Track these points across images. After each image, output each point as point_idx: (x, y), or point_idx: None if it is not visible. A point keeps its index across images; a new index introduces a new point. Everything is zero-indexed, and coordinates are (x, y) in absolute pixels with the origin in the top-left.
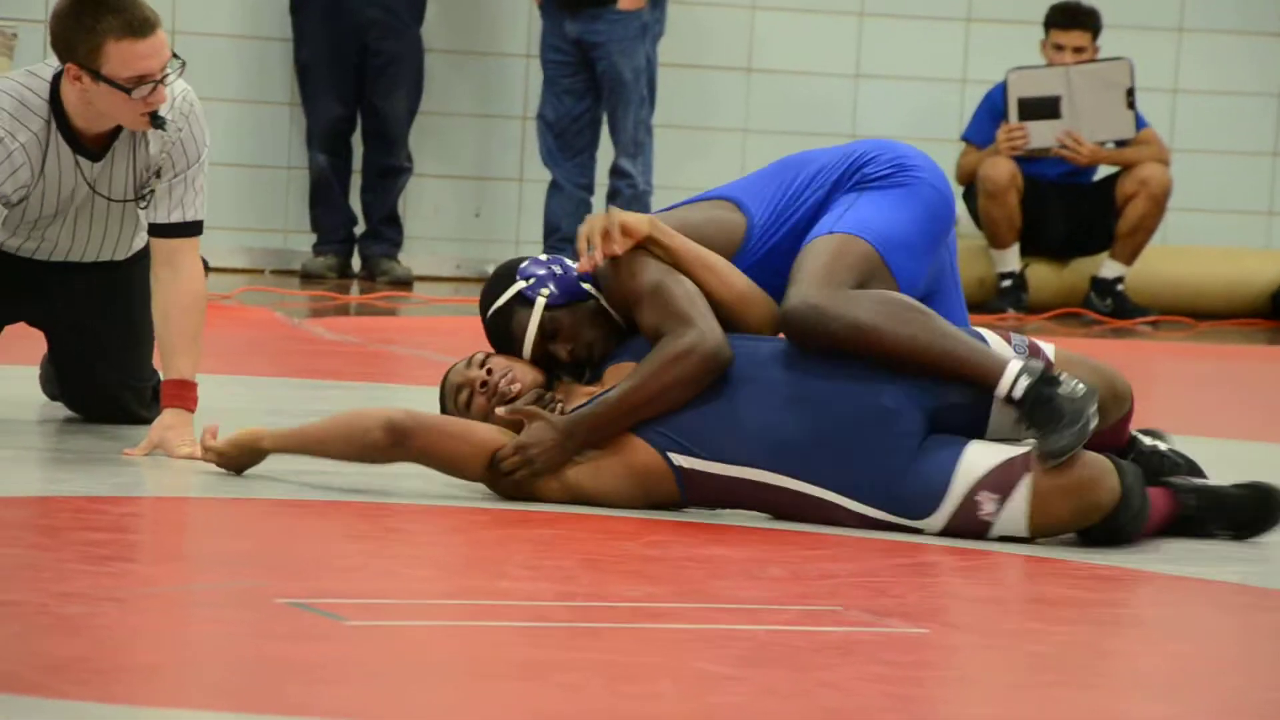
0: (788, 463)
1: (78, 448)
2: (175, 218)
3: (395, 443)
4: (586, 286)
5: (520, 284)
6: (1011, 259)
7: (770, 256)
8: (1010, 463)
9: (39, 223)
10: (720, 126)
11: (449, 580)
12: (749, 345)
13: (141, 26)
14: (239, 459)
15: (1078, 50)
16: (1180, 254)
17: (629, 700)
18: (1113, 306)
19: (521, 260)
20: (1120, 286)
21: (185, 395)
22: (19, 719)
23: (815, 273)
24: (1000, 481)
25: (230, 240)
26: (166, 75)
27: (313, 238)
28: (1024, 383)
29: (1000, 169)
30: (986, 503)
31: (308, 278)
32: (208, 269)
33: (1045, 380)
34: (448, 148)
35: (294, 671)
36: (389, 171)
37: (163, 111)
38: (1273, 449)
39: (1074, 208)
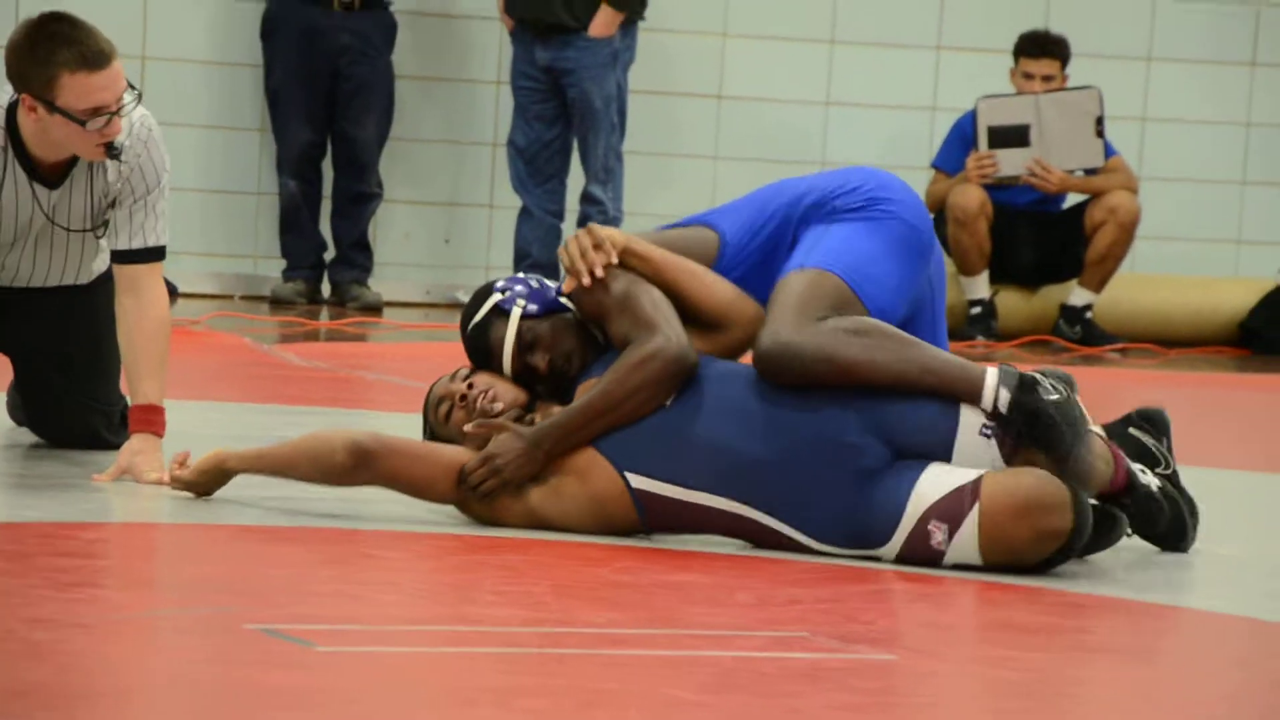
0: (744, 490)
1: (45, 473)
2: (137, 244)
3: (359, 465)
4: (563, 299)
5: (496, 296)
6: (981, 286)
7: (745, 279)
8: (960, 491)
9: None
10: (690, 153)
11: (419, 606)
12: (715, 368)
13: (96, 59)
14: (206, 484)
15: (1047, 79)
16: (1149, 282)
17: None
18: (1081, 334)
19: (499, 279)
20: (1089, 314)
21: (153, 420)
22: None
23: (786, 309)
24: (949, 511)
25: (200, 266)
26: (123, 106)
27: (282, 263)
28: (1005, 397)
29: (970, 197)
30: (937, 532)
31: (277, 303)
32: (176, 295)
33: (1025, 388)
34: (418, 174)
35: (264, 698)
36: (359, 197)
37: (120, 138)
38: (1240, 475)
39: (1043, 235)
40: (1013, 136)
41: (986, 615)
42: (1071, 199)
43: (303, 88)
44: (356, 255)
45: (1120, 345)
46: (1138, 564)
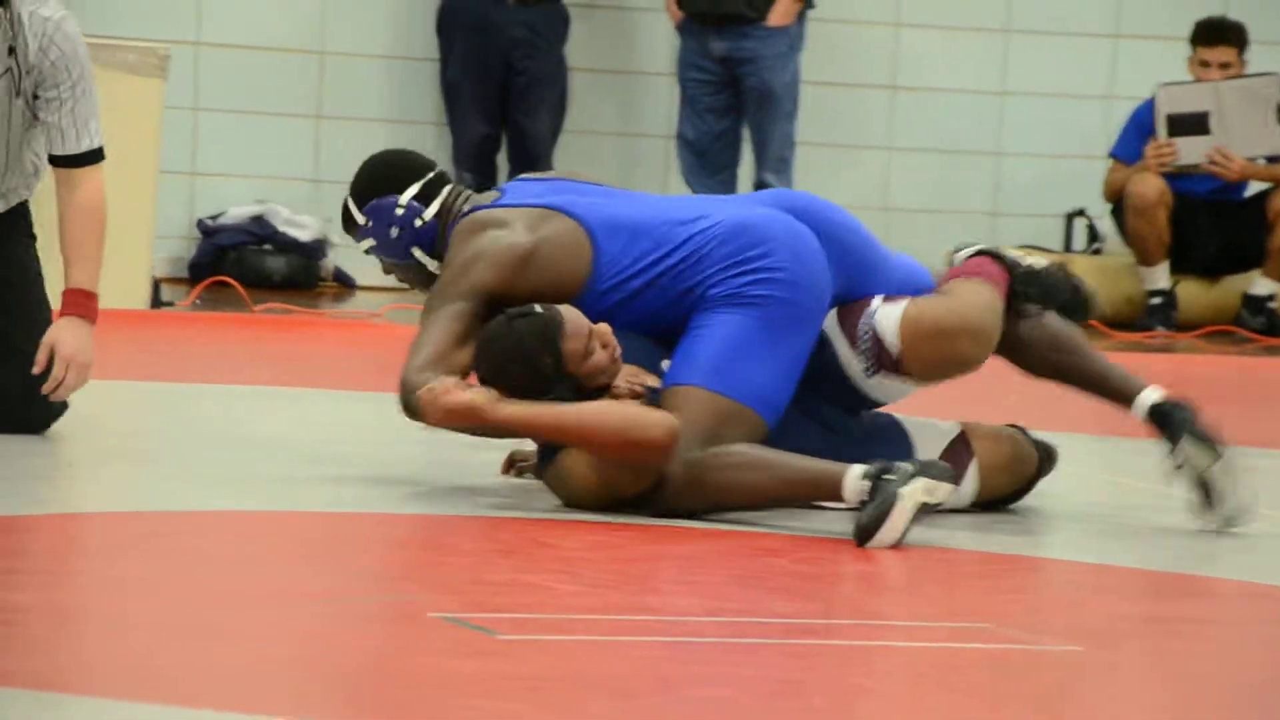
0: None
1: (210, 462)
2: (70, 149)
3: (670, 444)
4: (419, 255)
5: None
6: (1161, 276)
7: (617, 313)
8: (954, 445)
9: None
10: (865, 144)
11: (599, 595)
12: None
13: None
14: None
15: (1224, 66)
16: None
17: (782, 715)
18: (1265, 324)
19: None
20: (1272, 304)
21: (82, 303)
22: None
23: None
24: (952, 463)
25: None
26: None
27: None
28: (867, 485)
29: (1149, 186)
30: None
31: None
32: (354, 286)
33: (877, 475)
34: (591, 166)
35: (450, 685)
36: None
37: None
38: None
39: (1224, 224)
40: (1192, 124)
41: (1168, 607)
42: (1253, 187)
43: (477, 81)
44: None
45: None
46: None
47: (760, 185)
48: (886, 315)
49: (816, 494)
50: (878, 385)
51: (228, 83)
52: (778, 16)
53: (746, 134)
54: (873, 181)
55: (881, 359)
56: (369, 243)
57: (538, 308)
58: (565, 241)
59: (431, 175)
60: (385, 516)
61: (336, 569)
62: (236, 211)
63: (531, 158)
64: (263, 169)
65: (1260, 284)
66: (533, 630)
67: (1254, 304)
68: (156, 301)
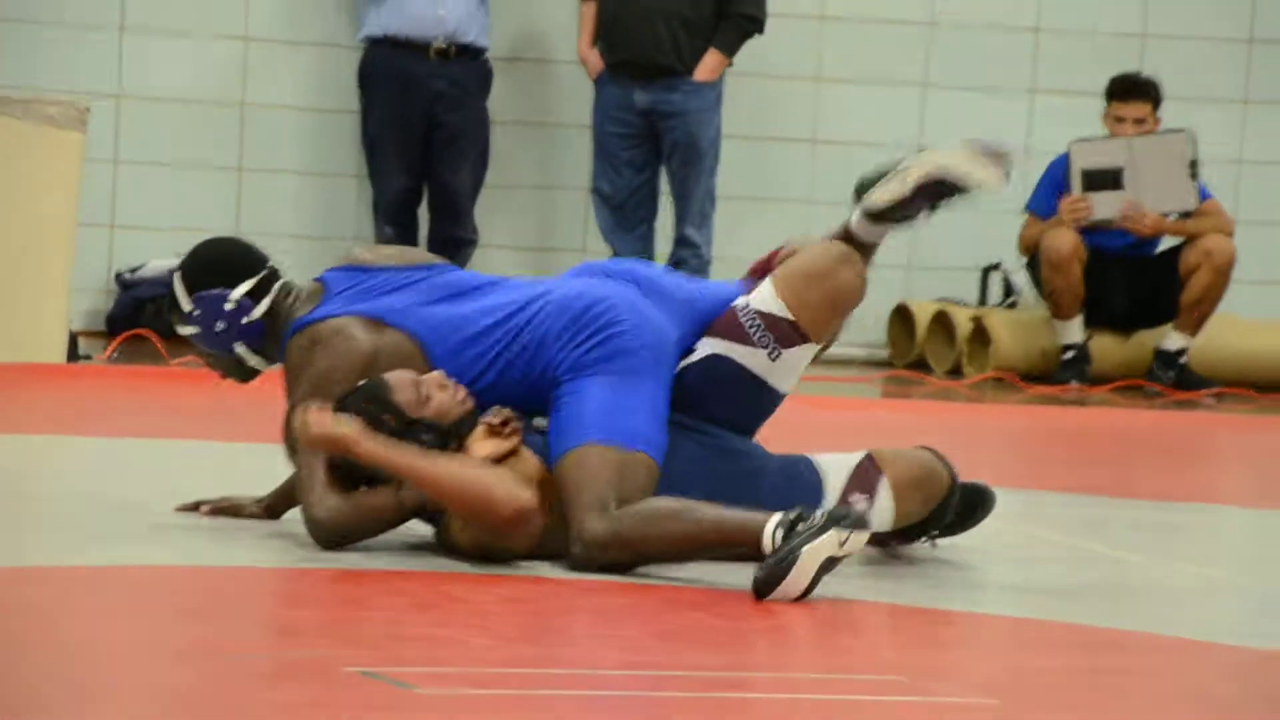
0: None
1: (121, 515)
2: None
3: (519, 524)
4: (240, 351)
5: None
6: (1074, 331)
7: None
8: (862, 466)
9: None
10: (784, 197)
11: (515, 649)
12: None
13: None
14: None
15: (1138, 121)
16: (1245, 326)
17: None
18: (1176, 378)
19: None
20: (1184, 359)
21: None
22: None
23: (580, 502)
24: (863, 483)
25: None
26: None
27: None
28: (780, 535)
29: (1063, 240)
30: (859, 503)
31: None
32: None
33: (790, 525)
34: (513, 219)
35: None
36: (454, 243)
37: None
38: None
39: (1137, 279)
40: (1106, 179)
41: (1085, 660)
42: (1166, 242)
43: (398, 134)
44: None
45: (1215, 390)
46: (1231, 606)
47: (681, 240)
48: (760, 297)
49: (739, 541)
50: (784, 365)
51: (148, 135)
52: (706, 71)
53: (664, 187)
54: (791, 234)
55: (779, 334)
56: (192, 330)
57: (360, 383)
58: (399, 353)
59: (265, 272)
60: (299, 571)
61: (250, 624)
62: (155, 264)
63: (453, 211)
64: (183, 221)
65: (1172, 338)
66: (450, 684)
67: (1166, 358)
68: (74, 355)
